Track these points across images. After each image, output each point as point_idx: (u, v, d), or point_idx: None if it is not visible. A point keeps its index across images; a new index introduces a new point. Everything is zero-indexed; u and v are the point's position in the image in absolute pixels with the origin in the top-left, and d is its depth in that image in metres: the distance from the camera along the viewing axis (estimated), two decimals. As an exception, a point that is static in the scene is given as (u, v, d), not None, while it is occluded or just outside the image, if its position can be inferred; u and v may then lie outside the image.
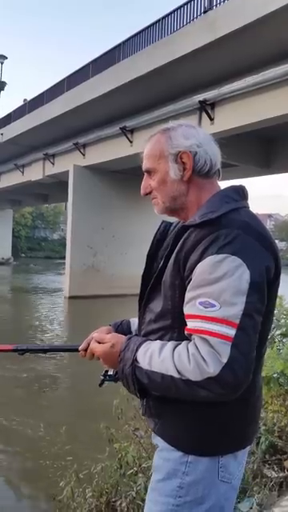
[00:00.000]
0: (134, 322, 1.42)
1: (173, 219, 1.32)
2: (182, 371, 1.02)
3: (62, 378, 7.18)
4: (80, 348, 1.32)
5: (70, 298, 17.14)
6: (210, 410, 1.10)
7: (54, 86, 18.36)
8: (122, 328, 1.43)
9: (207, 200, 1.18)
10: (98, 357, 1.23)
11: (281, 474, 2.44)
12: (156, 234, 1.34)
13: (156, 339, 1.16)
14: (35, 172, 21.53)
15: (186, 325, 1.08)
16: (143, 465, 2.46)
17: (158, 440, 1.22)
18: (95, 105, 14.22)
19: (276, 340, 3.56)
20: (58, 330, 11.85)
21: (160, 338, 1.16)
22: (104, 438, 2.81)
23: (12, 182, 25.00)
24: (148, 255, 1.31)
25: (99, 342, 1.24)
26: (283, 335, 3.62)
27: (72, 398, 6.48)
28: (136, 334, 1.32)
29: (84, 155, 17.75)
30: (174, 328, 1.14)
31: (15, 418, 5.41)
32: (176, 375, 1.03)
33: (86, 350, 1.31)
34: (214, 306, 1.02)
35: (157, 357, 1.08)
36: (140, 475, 2.40)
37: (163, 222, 1.35)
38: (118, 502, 2.37)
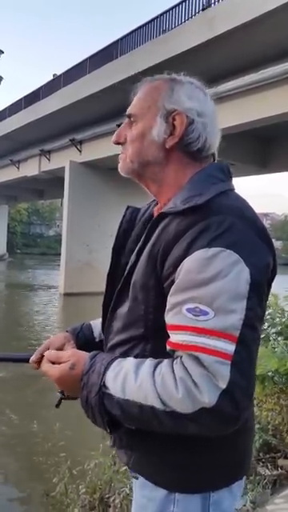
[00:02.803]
0: (96, 324, 1.19)
1: (140, 204, 1.12)
2: (167, 401, 0.79)
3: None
4: (31, 360, 1.07)
5: (65, 294, 17.12)
6: (196, 438, 0.86)
7: (51, 81, 18.29)
8: (84, 334, 1.17)
9: (189, 181, 0.94)
10: (54, 382, 0.95)
11: (274, 472, 2.45)
12: (121, 222, 1.09)
13: (125, 351, 0.94)
14: (31, 168, 21.45)
15: (162, 333, 0.86)
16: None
17: (136, 474, 1.00)
18: (92, 101, 14.17)
19: (271, 338, 3.57)
20: (52, 327, 11.82)
21: (130, 350, 0.93)
22: (97, 434, 2.80)
23: (7, 178, 24.90)
24: (114, 249, 1.08)
25: (53, 362, 0.96)
26: (278, 334, 3.63)
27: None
28: (100, 341, 1.11)
29: (80, 151, 17.70)
30: (147, 338, 0.92)
31: (8, 414, 5.39)
32: (158, 406, 0.79)
33: (38, 361, 1.06)
34: (206, 313, 0.79)
35: (132, 381, 0.83)
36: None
37: (128, 207, 1.12)
38: (112, 499, 2.37)
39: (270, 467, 2.48)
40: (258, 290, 0.84)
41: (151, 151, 0.97)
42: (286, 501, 2.26)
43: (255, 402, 3.06)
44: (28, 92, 20.35)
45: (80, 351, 0.96)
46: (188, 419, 0.78)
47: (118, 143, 1.02)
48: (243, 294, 0.81)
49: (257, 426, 2.66)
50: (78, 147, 17.67)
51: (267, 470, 2.44)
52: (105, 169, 17.75)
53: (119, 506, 2.31)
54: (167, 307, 0.85)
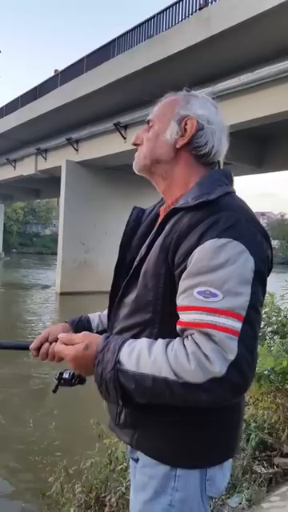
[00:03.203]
0: (94, 318, 1.31)
1: (145, 205, 1.24)
2: (180, 372, 0.87)
3: (50, 374, 7.15)
4: (31, 347, 1.18)
5: (62, 294, 17.08)
6: (197, 416, 0.97)
7: (48, 80, 18.23)
8: (82, 324, 1.28)
9: (197, 182, 1.05)
10: (68, 361, 1.03)
11: (270, 470, 2.45)
12: (129, 221, 1.20)
13: (132, 336, 1.02)
14: (27, 167, 21.37)
15: (169, 319, 0.97)
16: (133, 460, 2.46)
17: (138, 454, 1.07)
18: (89, 100, 14.14)
19: (267, 337, 3.58)
20: (48, 326, 11.78)
21: (137, 335, 1.01)
22: (94, 433, 2.80)
23: (3, 177, 24.80)
24: (121, 245, 1.19)
25: (66, 344, 1.04)
26: (274, 332, 3.64)
27: (61, 394, 6.46)
28: (104, 330, 1.20)
29: (77, 151, 17.65)
30: (154, 323, 1.01)
31: (3, 414, 5.37)
32: (171, 377, 0.88)
33: (38, 349, 1.18)
34: (215, 295, 0.88)
35: (146, 356, 0.91)
36: (130, 470, 2.39)
37: (135, 208, 1.23)
38: (108, 498, 2.36)
39: (265, 465, 2.49)
40: (261, 278, 0.94)
41: (163, 149, 1.09)
42: (281, 499, 2.26)
43: (251, 400, 3.07)
44: (25, 91, 20.28)
45: (91, 333, 1.05)
46: (199, 389, 0.87)
47: (135, 144, 1.15)
48: (248, 279, 0.91)
49: (253, 424, 2.67)
50: (75, 146, 17.62)
51: (263, 469, 2.44)
52: (101, 168, 17.73)
53: (115, 504, 2.31)
54: (179, 291, 0.95)
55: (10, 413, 5.38)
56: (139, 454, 1.06)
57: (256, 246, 0.94)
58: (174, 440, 1.00)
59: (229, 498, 2.21)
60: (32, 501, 3.52)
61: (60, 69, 17.92)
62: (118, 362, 0.93)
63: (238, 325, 0.88)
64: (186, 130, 1.07)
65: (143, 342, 0.96)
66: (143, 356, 0.92)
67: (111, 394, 0.95)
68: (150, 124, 1.13)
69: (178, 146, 1.08)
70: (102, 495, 2.43)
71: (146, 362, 0.91)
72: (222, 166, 1.13)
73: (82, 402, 5.09)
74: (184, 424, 0.99)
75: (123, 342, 0.96)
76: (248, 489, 2.26)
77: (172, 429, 1.00)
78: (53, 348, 1.14)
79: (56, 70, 18.75)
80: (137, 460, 1.08)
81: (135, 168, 1.14)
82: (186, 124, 1.07)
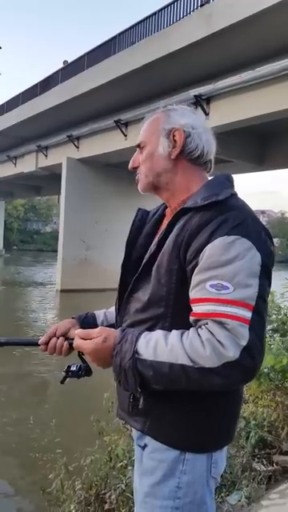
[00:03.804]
0: (99, 314, 1.38)
1: (149, 207, 1.30)
2: (196, 358, 0.95)
3: (50, 373, 7.17)
4: (40, 341, 1.25)
5: (62, 291, 17.09)
6: (207, 404, 1.06)
7: (48, 77, 18.18)
8: (88, 321, 1.35)
9: (204, 185, 1.14)
10: (87, 354, 1.10)
11: (269, 468, 2.46)
12: (134, 221, 1.29)
13: (145, 329, 1.08)
14: (28, 164, 21.36)
15: (180, 313, 1.04)
16: (133, 458, 2.46)
17: (146, 440, 1.13)
18: (90, 97, 14.12)
19: (267, 335, 3.58)
20: (49, 324, 11.81)
21: (149, 329, 1.07)
22: (94, 430, 2.81)
23: (4, 174, 24.79)
24: (127, 243, 1.26)
25: (84, 339, 1.10)
26: (274, 331, 3.64)
27: (61, 392, 6.47)
28: (109, 326, 1.24)
29: (78, 148, 17.64)
30: (166, 317, 1.07)
31: (3, 411, 5.39)
32: (188, 363, 0.95)
33: (46, 343, 1.25)
34: (227, 288, 0.96)
35: (163, 345, 0.99)
36: (130, 468, 2.40)
37: (139, 209, 1.31)
38: (108, 495, 2.37)
39: (265, 463, 2.50)
40: (266, 272, 1.02)
41: (161, 164, 1.17)
42: (280, 496, 2.27)
43: (251, 398, 3.08)
44: (26, 87, 20.22)
45: (107, 328, 1.12)
46: (214, 373, 0.94)
47: (133, 168, 1.23)
48: (256, 272, 0.99)
49: (252, 422, 2.68)
50: (76, 143, 17.60)
51: (262, 466, 2.45)
52: (102, 165, 17.70)
53: (115, 501, 2.32)
54: (192, 284, 1.02)
55: (10, 411, 5.39)
56: (148, 441, 1.12)
57: (261, 242, 1.02)
58: (186, 426, 1.07)
59: (228, 495, 2.22)
60: (32, 497, 3.53)
61: (62, 65, 17.84)
62: (136, 352, 1.00)
63: (248, 314, 0.96)
64: (175, 141, 1.16)
65: (159, 333, 1.03)
66: (160, 345, 0.99)
67: (130, 381, 1.02)
68: (141, 146, 1.21)
69: (173, 157, 1.17)
70: (102, 492, 2.44)
71: (162, 351, 0.98)
72: (213, 165, 1.21)
73: (83, 400, 5.10)
74: (196, 411, 1.06)
75: (140, 334, 1.03)
76: (247, 486, 2.27)
77: (184, 416, 1.07)
78: (61, 342, 1.23)
79: (65, 61, 18.51)
80: (143, 447, 1.14)
81: (140, 189, 1.22)
82: (174, 136, 1.16)
